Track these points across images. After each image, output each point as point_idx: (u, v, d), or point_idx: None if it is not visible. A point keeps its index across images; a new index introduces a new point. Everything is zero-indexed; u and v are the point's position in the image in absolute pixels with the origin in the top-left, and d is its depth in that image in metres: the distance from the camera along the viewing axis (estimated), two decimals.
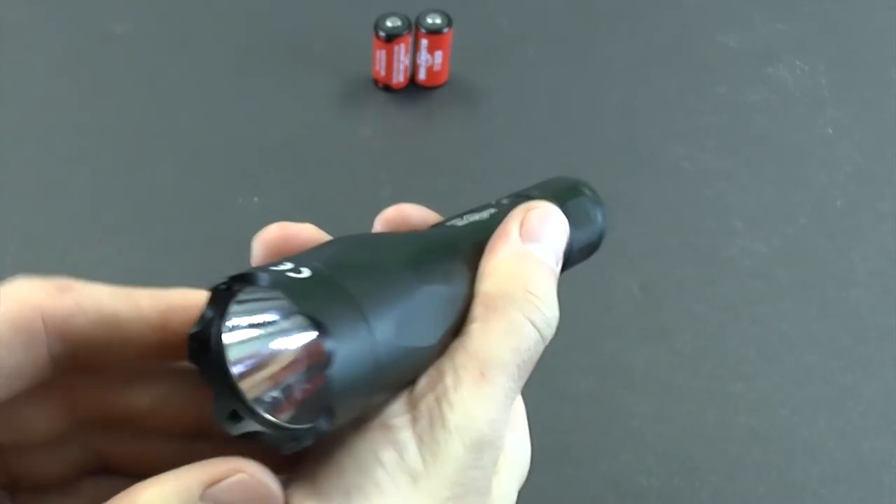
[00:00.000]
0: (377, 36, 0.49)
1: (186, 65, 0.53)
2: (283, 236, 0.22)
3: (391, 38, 0.49)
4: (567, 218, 0.24)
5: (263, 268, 0.18)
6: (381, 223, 0.24)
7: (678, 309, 0.43)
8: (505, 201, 0.26)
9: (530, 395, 0.37)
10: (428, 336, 0.19)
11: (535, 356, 0.20)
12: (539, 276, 0.21)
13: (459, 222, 0.24)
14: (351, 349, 0.17)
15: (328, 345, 0.17)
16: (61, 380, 0.19)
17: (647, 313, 0.43)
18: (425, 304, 0.19)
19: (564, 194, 0.27)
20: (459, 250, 0.22)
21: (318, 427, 0.17)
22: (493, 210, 0.25)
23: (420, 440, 0.18)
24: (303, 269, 0.18)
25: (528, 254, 0.22)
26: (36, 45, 0.54)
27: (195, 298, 0.19)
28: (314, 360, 0.18)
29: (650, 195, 0.48)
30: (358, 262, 0.20)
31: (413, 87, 0.52)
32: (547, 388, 0.39)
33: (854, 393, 0.41)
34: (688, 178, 0.49)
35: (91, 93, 0.51)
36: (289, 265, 0.18)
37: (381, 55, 0.50)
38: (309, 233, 0.22)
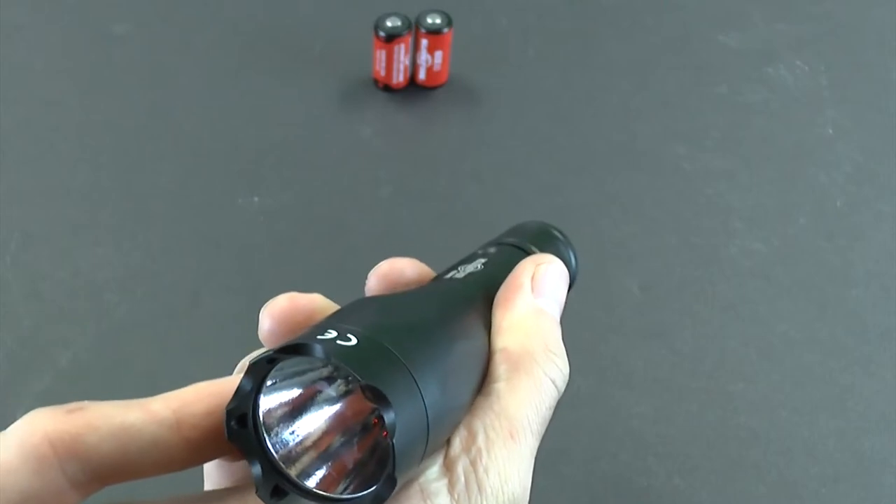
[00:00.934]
0: (377, 36, 0.49)
1: (186, 65, 0.53)
2: (292, 307, 0.21)
3: (391, 38, 0.49)
4: None
5: (311, 336, 0.17)
6: (375, 278, 0.24)
7: (678, 309, 0.43)
8: (492, 250, 0.26)
9: None
10: (463, 394, 0.20)
11: (552, 411, 0.21)
12: (555, 333, 0.22)
13: (458, 275, 0.24)
14: (409, 416, 0.17)
15: (390, 415, 0.16)
16: None
17: (647, 313, 0.43)
18: (459, 362, 0.20)
19: (541, 240, 0.27)
20: (472, 304, 0.22)
21: (379, 494, 0.17)
22: (482, 260, 0.25)
23: None
24: (350, 336, 0.17)
25: (542, 310, 0.23)
26: (36, 45, 0.53)
27: (208, 390, 0.19)
28: (368, 428, 0.18)
29: (650, 195, 0.48)
30: (394, 324, 0.19)
31: (413, 87, 0.52)
32: None
33: (854, 393, 0.41)
34: (688, 178, 0.49)
35: (91, 93, 0.51)
36: (333, 333, 0.17)
37: (381, 55, 0.50)
38: (317, 303, 0.21)
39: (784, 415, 0.40)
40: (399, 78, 0.51)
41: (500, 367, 0.21)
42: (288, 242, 0.45)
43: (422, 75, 0.51)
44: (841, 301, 0.44)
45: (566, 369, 0.22)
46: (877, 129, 0.52)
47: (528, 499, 0.20)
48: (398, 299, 0.22)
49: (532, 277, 0.23)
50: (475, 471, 0.19)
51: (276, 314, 0.21)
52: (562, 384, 0.21)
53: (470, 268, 0.24)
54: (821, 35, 0.57)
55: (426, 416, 0.17)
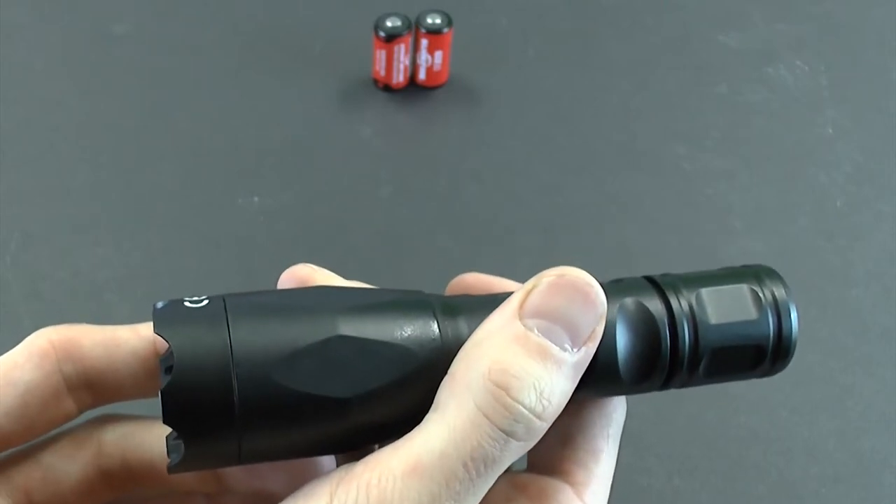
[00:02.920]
0: (377, 36, 0.49)
1: (186, 65, 0.53)
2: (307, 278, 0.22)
3: (391, 38, 0.49)
4: (692, 301, 0.20)
5: (178, 300, 0.19)
6: (459, 288, 0.22)
7: None
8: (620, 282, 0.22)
9: None
10: (333, 386, 0.18)
11: (503, 455, 0.17)
12: (523, 363, 0.18)
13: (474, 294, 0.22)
14: (197, 368, 0.17)
15: (174, 365, 0.17)
16: (87, 430, 0.21)
17: None
18: (333, 351, 0.18)
19: (728, 275, 0.22)
20: (435, 314, 0.19)
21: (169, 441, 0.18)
22: None
23: None
24: (205, 300, 0.19)
25: (520, 333, 0.18)
26: (36, 45, 0.53)
27: None
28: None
29: (650, 195, 0.48)
30: (275, 299, 0.19)
31: (413, 87, 0.52)
32: None
33: (854, 393, 0.41)
34: (688, 178, 0.49)
35: (91, 93, 0.51)
36: (200, 297, 0.19)
37: (381, 55, 0.50)
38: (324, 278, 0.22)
39: (784, 415, 0.39)
40: (399, 78, 0.51)
41: (441, 394, 0.18)
42: (288, 242, 0.45)
43: (422, 75, 0.51)
44: (841, 301, 0.44)
45: (527, 410, 0.17)
46: (877, 129, 0.52)
47: None
48: (345, 289, 0.21)
49: (527, 292, 0.19)
50: (358, 495, 0.17)
51: (289, 279, 0.22)
52: (516, 427, 0.17)
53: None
54: (821, 35, 0.57)
55: (232, 377, 0.17)
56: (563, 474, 0.21)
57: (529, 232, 0.46)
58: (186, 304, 0.19)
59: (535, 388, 0.18)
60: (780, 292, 0.22)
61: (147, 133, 0.49)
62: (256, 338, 0.18)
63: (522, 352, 0.18)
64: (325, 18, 0.56)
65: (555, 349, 0.18)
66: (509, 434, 0.17)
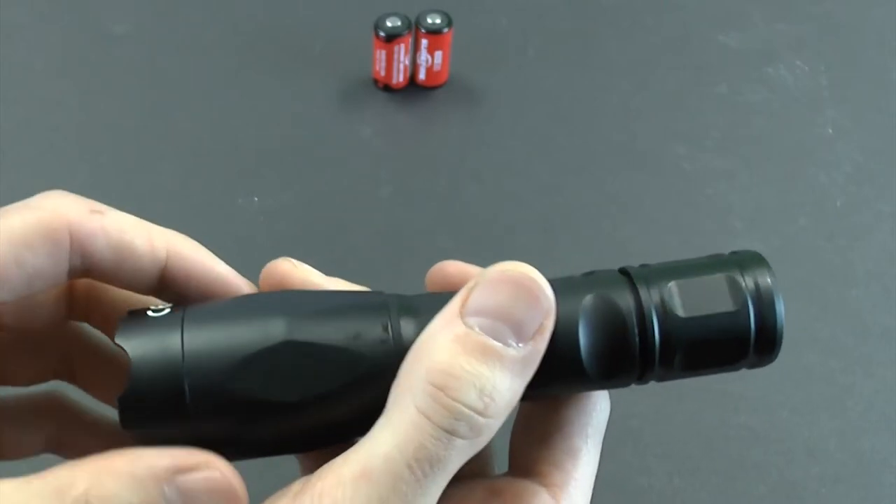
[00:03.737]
0: (377, 36, 0.49)
1: (186, 65, 0.53)
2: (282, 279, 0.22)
3: (391, 38, 0.49)
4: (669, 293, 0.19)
5: (142, 310, 0.20)
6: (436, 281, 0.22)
7: None
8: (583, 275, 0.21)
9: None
10: (283, 391, 0.19)
11: (448, 454, 0.17)
12: (462, 362, 0.18)
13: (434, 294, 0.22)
14: (152, 381, 0.19)
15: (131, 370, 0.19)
16: (67, 286, 0.22)
17: None
18: (282, 356, 0.19)
19: (717, 261, 0.21)
20: (390, 316, 0.19)
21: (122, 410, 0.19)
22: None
23: None
24: (167, 309, 0.20)
25: (456, 332, 0.18)
26: (36, 45, 0.54)
27: (198, 251, 0.22)
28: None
29: (650, 195, 0.48)
30: (232, 306, 0.21)
31: (413, 87, 0.52)
32: None
33: (854, 392, 0.41)
34: (688, 178, 0.49)
35: (91, 93, 0.51)
36: (165, 306, 0.20)
37: (381, 55, 0.50)
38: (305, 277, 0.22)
39: (784, 415, 0.40)
40: (399, 78, 0.51)
41: (389, 398, 0.18)
42: (288, 242, 0.45)
43: (422, 75, 0.51)
44: (841, 301, 0.44)
45: (465, 409, 0.17)
46: (877, 129, 0.52)
47: None
48: (304, 293, 0.22)
49: (469, 290, 0.18)
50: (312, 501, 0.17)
51: (269, 275, 0.22)
52: (450, 424, 0.17)
53: None
54: (821, 35, 0.57)
55: (184, 385, 0.19)
56: (539, 476, 0.21)
57: (529, 232, 0.46)
58: (149, 314, 0.20)
59: (476, 386, 0.17)
60: (763, 281, 0.20)
61: (147, 133, 0.50)
62: (209, 346, 0.19)
63: (462, 351, 0.18)
64: (325, 18, 0.56)
65: (497, 346, 0.18)
66: (452, 433, 0.17)
